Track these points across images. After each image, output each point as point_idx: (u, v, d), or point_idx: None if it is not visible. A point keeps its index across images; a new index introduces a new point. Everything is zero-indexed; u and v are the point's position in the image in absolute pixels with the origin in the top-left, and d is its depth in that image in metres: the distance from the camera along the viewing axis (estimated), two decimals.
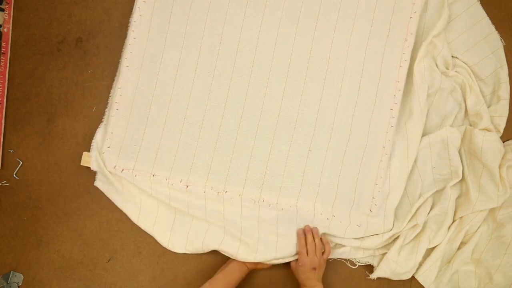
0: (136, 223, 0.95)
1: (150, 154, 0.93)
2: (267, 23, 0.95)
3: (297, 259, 0.92)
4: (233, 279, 0.89)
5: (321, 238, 0.93)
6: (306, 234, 0.92)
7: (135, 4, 0.95)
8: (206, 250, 0.94)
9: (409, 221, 0.95)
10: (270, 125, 0.94)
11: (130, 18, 0.95)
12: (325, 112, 0.95)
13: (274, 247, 0.93)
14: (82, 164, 0.94)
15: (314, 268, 0.89)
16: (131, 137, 0.93)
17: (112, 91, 0.95)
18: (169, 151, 0.93)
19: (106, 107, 0.96)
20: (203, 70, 0.94)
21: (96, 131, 0.95)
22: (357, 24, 0.96)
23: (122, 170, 0.92)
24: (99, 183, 0.96)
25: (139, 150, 0.93)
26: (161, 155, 0.93)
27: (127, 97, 0.93)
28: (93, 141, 0.94)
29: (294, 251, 0.93)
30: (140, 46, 0.94)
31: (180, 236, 0.95)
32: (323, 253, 0.91)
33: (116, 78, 0.96)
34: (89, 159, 0.93)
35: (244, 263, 0.93)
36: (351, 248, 0.95)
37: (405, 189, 0.97)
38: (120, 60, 0.95)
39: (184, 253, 0.96)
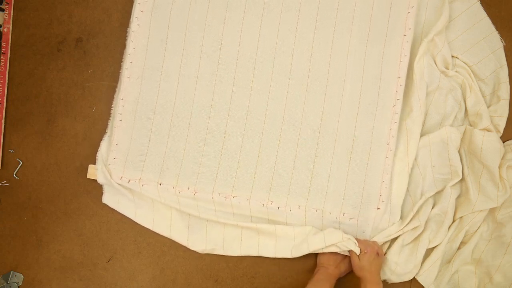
0: (152, 229, 0.95)
1: (156, 163, 0.93)
2: (267, 27, 0.95)
3: (357, 255, 0.90)
4: None
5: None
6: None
7: (132, 14, 0.94)
8: (228, 250, 0.95)
9: (411, 220, 0.95)
10: (275, 129, 0.94)
11: (128, 28, 0.95)
12: (329, 114, 0.95)
13: (292, 241, 0.93)
14: (88, 177, 0.94)
15: (378, 254, 0.89)
16: (136, 148, 0.93)
17: (114, 102, 0.95)
18: (175, 159, 0.93)
19: (109, 118, 0.96)
20: (205, 76, 0.94)
21: (100, 143, 0.94)
22: (356, 22, 0.96)
23: (129, 180, 0.91)
24: (107, 199, 0.95)
25: (145, 160, 0.93)
26: (167, 164, 0.93)
27: (130, 108, 0.93)
28: (98, 153, 0.94)
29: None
30: (140, 55, 0.94)
31: (198, 236, 0.95)
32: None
33: (117, 89, 0.95)
34: (95, 172, 0.93)
35: (328, 271, 0.91)
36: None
37: (407, 187, 0.97)
38: (120, 71, 0.95)
39: (187, 254, 0.96)
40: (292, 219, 0.94)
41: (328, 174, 0.94)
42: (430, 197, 0.97)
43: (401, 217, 0.96)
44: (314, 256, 0.97)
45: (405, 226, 0.94)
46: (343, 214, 0.93)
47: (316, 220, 0.94)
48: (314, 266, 0.97)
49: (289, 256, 0.93)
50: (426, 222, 0.96)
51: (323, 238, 0.91)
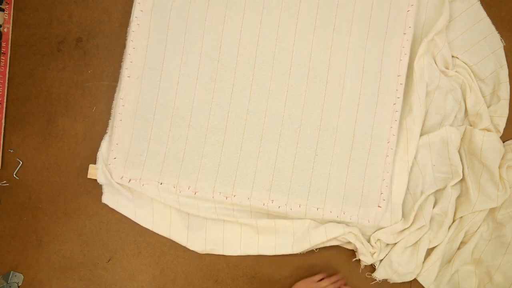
0: (151, 229, 0.95)
1: (156, 162, 0.93)
2: (266, 26, 0.95)
3: None
4: None
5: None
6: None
7: (132, 13, 0.94)
8: (228, 250, 0.95)
9: (414, 219, 0.95)
10: (275, 127, 0.94)
11: (128, 28, 0.95)
12: (329, 112, 0.95)
13: (291, 237, 0.94)
14: (88, 177, 0.94)
15: None
16: (137, 147, 0.93)
17: (114, 102, 0.95)
18: (176, 159, 0.93)
19: (109, 118, 0.96)
20: (205, 75, 0.94)
21: (101, 143, 0.94)
22: (355, 20, 0.96)
23: (130, 180, 0.91)
24: (106, 199, 0.94)
25: (145, 159, 0.92)
26: (167, 163, 0.93)
27: (130, 107, 0.93)
28: (99, 153, 0.94)
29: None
30: (140, 55, 0.94)
31: (197, 236, 0.95)
32: None
33: (117, 88, 0.95)
34: (95, 172, 0.93)
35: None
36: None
37: (407, 186, 0.97)
38: (120, 70, 0.95)
39: (187, 254, 0.96)
40: (292, 217, 0.94)
41: (328, 172, 0.94)
42: (431, 195, 0.97)
43: (403, 216, 0.96)
44: (314, 256, 0.97)
45: (410, 226, 0.94)
46: (344, 212, 0.94)
47: (316, 219, 0.94)
48: (314, 266, 0.97)
49: (290, 252, 0.94)
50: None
51: (325, 231, 0.92)
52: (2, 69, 0.96)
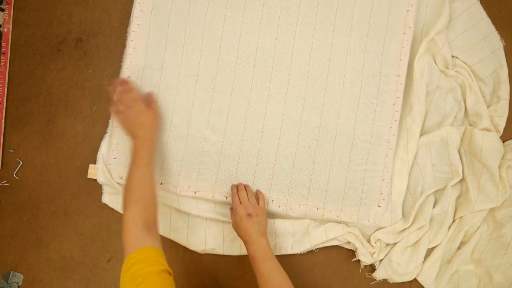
0: None
1: (156, 162, 0.93)
2: (266, 26, 0.95)
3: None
4: (143, 157, 0.80)
5: (256, 191, 0.91)
6: (237, 187, 0.90)
7: (132, 13, 0.95)
8: (228, 250, 0.95)
9: (414, 218, 0.95)
10: (275, 127, 0.94)
11: (128, 28, 0.95)
12: (329, 112, 0.95)
13: (291, 237, 0.94)
14: (88, 177, 0.94)
15: (249, 215, 0.83)
16: None
17: None
18: (175, 159, 0.93)
19: (109, 118, 0.96)
20: (205, 76, 0.94)
21: (101, 143, 0.94)
22: (355, 20, 0.96)
23: None
24: (106, 198, 0.95)
25: None
26: (167, 163, 0.93)
27: None
28: (99, 153, 0.94)
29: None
30: (140, 55, 0.94)
31: (197, 236, 0.95)
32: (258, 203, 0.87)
33: None
34: (95, 171, 0.93)
35: (152, 134, 0.83)
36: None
37: (407, 186, 0.97)
38: (120, 70, 0.95)
39: (187, 254, 0.96)
40: (292, 217, 0.94)
41: (328, 172, 0.94)
42: (431, 195, 0.97)
43: (403, 216, 0.96)
44: (314, 256, 0.97)
45: (410, 226, 0.94)
46: (344, 212, 0.94)
47: (316, 219, 0.94)
48: (314, 266, 0.97)
49: (290, 252, 0.94)
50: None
51: (325, 231, 0.92)
52: (2, 69, 0.96)
